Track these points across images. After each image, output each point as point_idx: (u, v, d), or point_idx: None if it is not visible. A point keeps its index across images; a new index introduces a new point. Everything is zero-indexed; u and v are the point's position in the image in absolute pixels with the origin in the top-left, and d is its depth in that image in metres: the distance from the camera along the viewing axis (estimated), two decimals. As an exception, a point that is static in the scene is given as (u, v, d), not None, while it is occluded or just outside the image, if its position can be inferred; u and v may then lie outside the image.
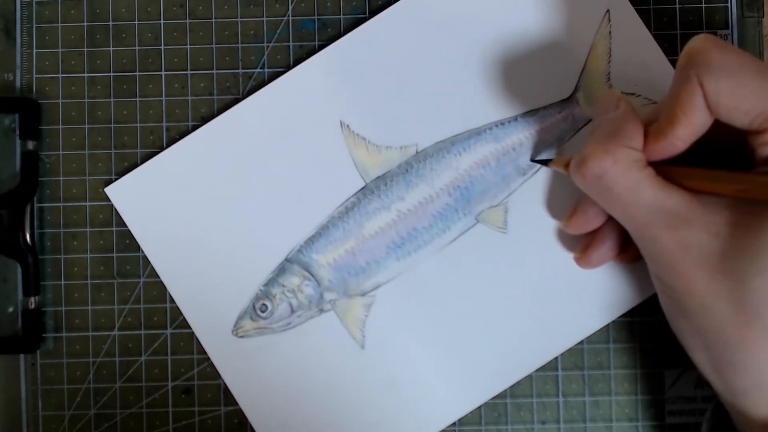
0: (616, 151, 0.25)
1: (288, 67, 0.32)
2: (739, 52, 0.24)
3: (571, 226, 0.29)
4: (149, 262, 0.32)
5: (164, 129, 0.32)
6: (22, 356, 0.32)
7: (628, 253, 0.29)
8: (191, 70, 0.32)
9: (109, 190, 0.32)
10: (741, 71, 0.24)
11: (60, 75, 0.32)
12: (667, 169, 0.25)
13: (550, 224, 0.31)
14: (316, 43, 0.32)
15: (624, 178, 0.25)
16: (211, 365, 0.31)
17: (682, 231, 0.24)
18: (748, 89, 0.23)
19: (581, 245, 0.30)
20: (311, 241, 0.31)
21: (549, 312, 0.31)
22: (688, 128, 0.24)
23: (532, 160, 0.31)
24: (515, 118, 0.31)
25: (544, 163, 0.31)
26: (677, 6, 0.32)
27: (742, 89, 0.23)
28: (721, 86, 0.23)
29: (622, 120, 0.26)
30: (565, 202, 0.31)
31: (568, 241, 0.31)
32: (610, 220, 0.29)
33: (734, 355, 0.24)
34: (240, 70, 0.32)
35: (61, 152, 0.32)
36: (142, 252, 0.32)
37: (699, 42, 0.24)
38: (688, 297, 0.25)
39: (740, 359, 0.24)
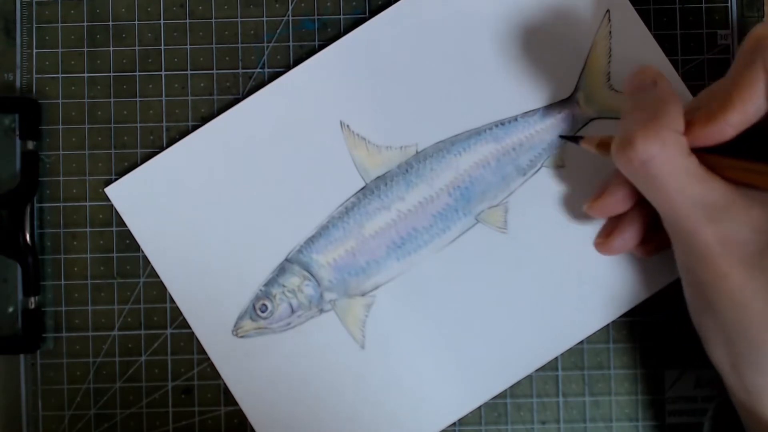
0: (665, 135, 0.24)
1: (288, 67, 0.32)
2: None
3: (596, 209, 0.28)
4: (149, 262, 0.32)
5: (164, 129, 0.32)
6: (22, 356, 0.32)
7: (650, 245, 0.28)
8: (191, 70, 0.32)
9: (109, 190, 0.32)
10: None
11: (60, 75, 0.32)
12: (709, 158, 0.24)
13: (551, 224, 0.31)
14: (316, 43, 0.32)
15: (670, 164, 0.24)
16: (211, 365, 0.31)
17: (723, 225, 0.24)
18: None
19: (604, 230, 0.29)
20: (311, 241, 0.31)
21: (549, 312, 0.31)
22: (743, 114, 0.24)
23: (561, 136, 0.31)
24: (515, 118, 0.31)
25: (575, 140, 0.30)
26: (677, 6, 0.32)
27: None
28: None
29: (663, 101, 0.25)
30: (565, 202, 0.31)
31: (569, 241, 0.31)
32: (637, 206, 0.28)
33: (758, 354, 0.24)
34: (240, 70, 0.32)
35: (61, 152, 0.32)
36: (142, 252, 0.32)
37: (766, 28, 0.24)
38: (720, 292, 0.24)
39: (764, 359, 0.24)
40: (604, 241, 0.29)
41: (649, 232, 0.28)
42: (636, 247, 0.29)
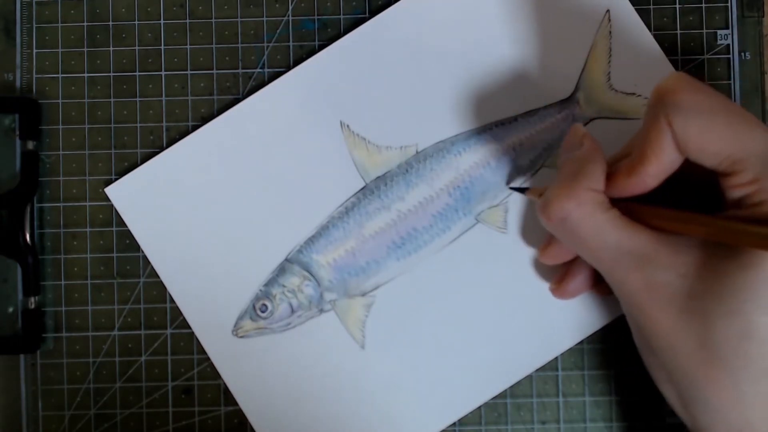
0: (579, 195, 0.25)
1: (288, 67, 0.32)
2: (710, 93, 0.24)
3: (547, 257, 0.29)
4: (149, 262, 0.32)
5: (164, 129, 0.32)
6: (22, 356, 0.32)
7: (605, 284, 0.29)
8: (191, 70, 0.32)
9: (109, 190, 0.32)
10: (710, 113, 0.23)
11: (60, 75, 0.32)
12: (636, 207, 0.25)
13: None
14: (316, 43, 0.32)
15: (588, 221, 0.25)
16: (211, 365, 0.31)
17: (648, 271, 0.24)
18: (716, 131, 0.23)
19: (557, 276, 0.30)
20: (311, 241, 0.31)
21: (549, 312, 0.31)
22: (658, 166, 0.24)
23: (509, 187, 0.31)
24: (515, 118, 0.31)
25: (521, 191, 0.31)
26: (677, 6, 0.32)
27: (710, 131, 0.23)
28: (689, 127, 0.23)
29: (584, 160, 0.26)
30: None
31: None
32: None
33: (699, 393, 0.25)
34: (240, 70, 0.32)
35: (61, 152, 0.32)
36: (142, 252, 0.32)
37: (670, 81, 0.24)
38: (655, 335, 0.25)
39: (705, 397, 0.24)
40: (558, 286, 0.30)
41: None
42: (593, 288, 0.30)
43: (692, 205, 0.25)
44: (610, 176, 0.26)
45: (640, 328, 0.26)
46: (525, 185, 0.31)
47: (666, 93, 0.24)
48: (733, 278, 0.23)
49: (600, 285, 0.30)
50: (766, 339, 0.23)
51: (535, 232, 0.31)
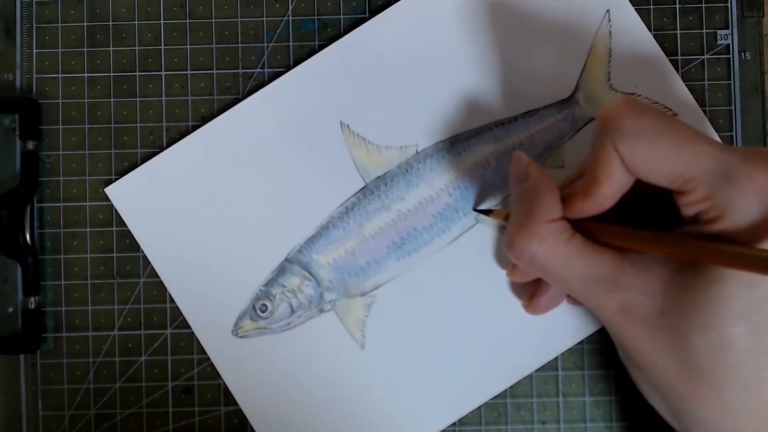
0: (540, 230, 0.25)
1: (288, 67, 0.32)
2: (655, 115, 0.24)
3: (515, 275, 0.29)
4: (149, 262, 0.32)
5: (164, 129, 0.32)
6: (22, 356, 0.32)
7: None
8: (191, 70, 0.32)
9: (109, 190, 0.32)
10: (656, 135, 0.23)
11: (60, 75, 0.32)
12: (597, 228, 0.25)
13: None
14: (316, 43, 0.32)
15: (553, 255, 0.25)
16: (211, 365, 0.31)
17: (619, 294, 0.24)
18: (664, 153, 0.23)
19: (528, 292, 0.30)
20: (311, 241, 0.31)
21: (549, 312, 0.31)
22: (611, 188, 0.24)
23: (474, 210, 0.31)
24: (515, 118, 0.31)
25: (486, 213, 0.31)
26: (677, 6, 0.32)
27: (657, 154, 0.23)
28: (636, 151, 0.23)
29: (535, 192, 0.26)
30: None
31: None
32: None
33: (686, 407, 0.25)
34: (240, 70, 0.32)
35: (61, 152, 0.32)
36: (142, 252, 0.32)
37: (613, 107, 0.24)
38: (636, 354, 0.25)
39: (693, 410, 0.25)
40: (529, 303, 0.30)
41: None
42: (568, 300, 0.30)
43: (654, 218, 0.25)
44: (566, 198, 0.26)
45: (622, 347, 0.26)
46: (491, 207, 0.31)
47: (610, 119, 0.24)
48: (702, 293, 0.23)
49: (571, 298, 0.30)
50: (743, 349, 0.23)
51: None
